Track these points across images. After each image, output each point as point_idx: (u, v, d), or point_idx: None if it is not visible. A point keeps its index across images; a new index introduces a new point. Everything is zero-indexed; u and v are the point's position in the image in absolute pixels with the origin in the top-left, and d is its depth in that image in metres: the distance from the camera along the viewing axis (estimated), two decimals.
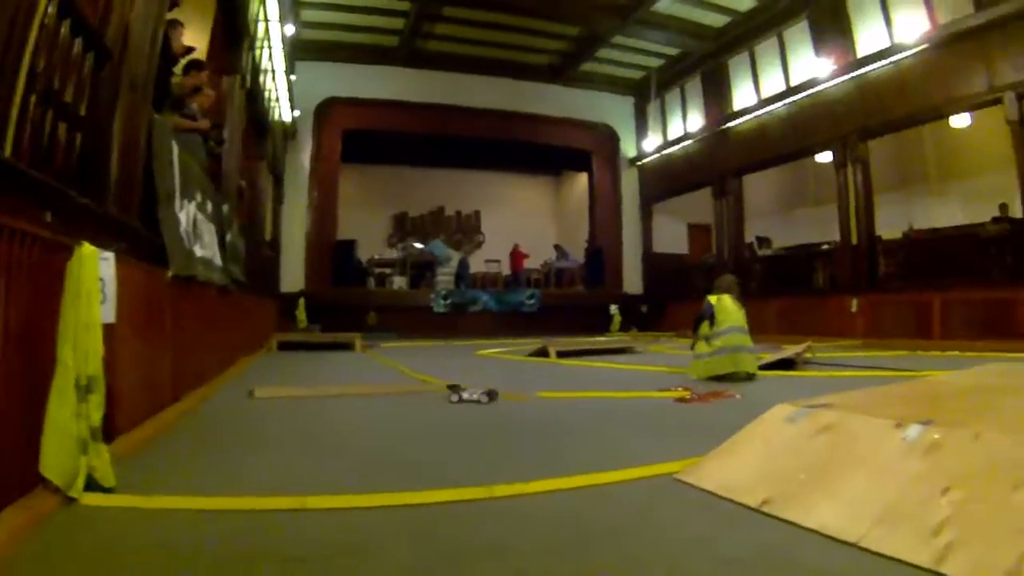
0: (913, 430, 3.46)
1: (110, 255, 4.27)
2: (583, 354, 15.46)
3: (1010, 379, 6.41)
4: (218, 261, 9.31)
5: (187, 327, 7.38)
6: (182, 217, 7.06)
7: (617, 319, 28.26)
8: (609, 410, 7.15)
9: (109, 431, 4.02)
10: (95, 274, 3.71)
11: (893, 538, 2.93)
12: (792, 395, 6.73)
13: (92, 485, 3.63)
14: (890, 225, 21.36)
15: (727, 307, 10.34)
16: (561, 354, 14.73)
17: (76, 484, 3.50)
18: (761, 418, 4.35)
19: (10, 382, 3.25)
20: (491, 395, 7.66)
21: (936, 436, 3.35)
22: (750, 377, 9.78)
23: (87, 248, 3.64)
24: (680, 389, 8.18)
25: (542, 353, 14.82)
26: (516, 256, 31.77)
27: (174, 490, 3.86)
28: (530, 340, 19.11)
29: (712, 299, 10.49)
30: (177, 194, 6.92)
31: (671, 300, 28.20)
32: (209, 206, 8.93)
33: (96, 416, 3.65)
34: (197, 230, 7.83)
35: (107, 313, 4.14)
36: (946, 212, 22.18)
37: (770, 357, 11.62)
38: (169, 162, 6.67)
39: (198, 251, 7.76)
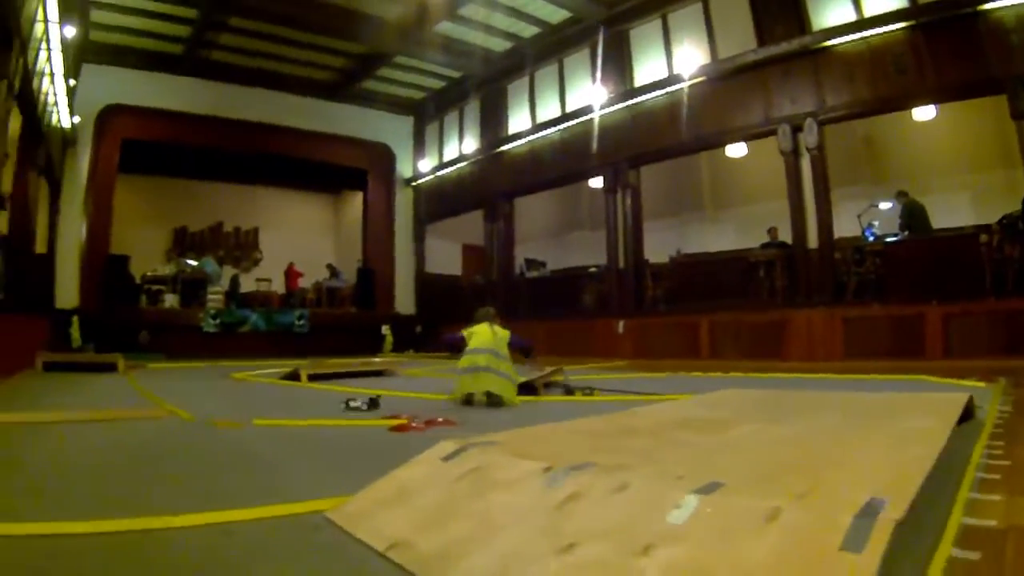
0: (559, 475, 3.35)
1: None
2: (337, 377, 15.11)
3: (720, 411, 6.52)
4: None
5: None
6: None
7: (389, 340, 28.02)
8: (317, 439, 7.03)
9: None
10: None
11: None
12: (512, 424, 6.64)
13: None
14: (664, 250, 22.03)
15: (477, 331, 9.99)
16: (313, 377, 14.31)
17: None
18: (422, 455, 4.26)
19: None
20: (372, 403, 8.22)
21: (579, 484, 3.23)
22: (497, 403, 9.35)
23: None
24: (403, 417, 7.91)
25: (294, 376, 14.34)
26: (291, 274, 31.22)
27: None
28: (298, 361, 18.84)
29: (465, 331, 10.13)
30: None
31: (444, 321, 27.61)
32: None
33: None
34: None
35: None
36: (721, 238, 23.23)
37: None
38: None
39: None
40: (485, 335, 9.93)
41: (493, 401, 9.39)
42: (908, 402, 7.01)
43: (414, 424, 7.38)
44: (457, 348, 10.35)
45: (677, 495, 2.92)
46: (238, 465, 5.53)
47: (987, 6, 15.19)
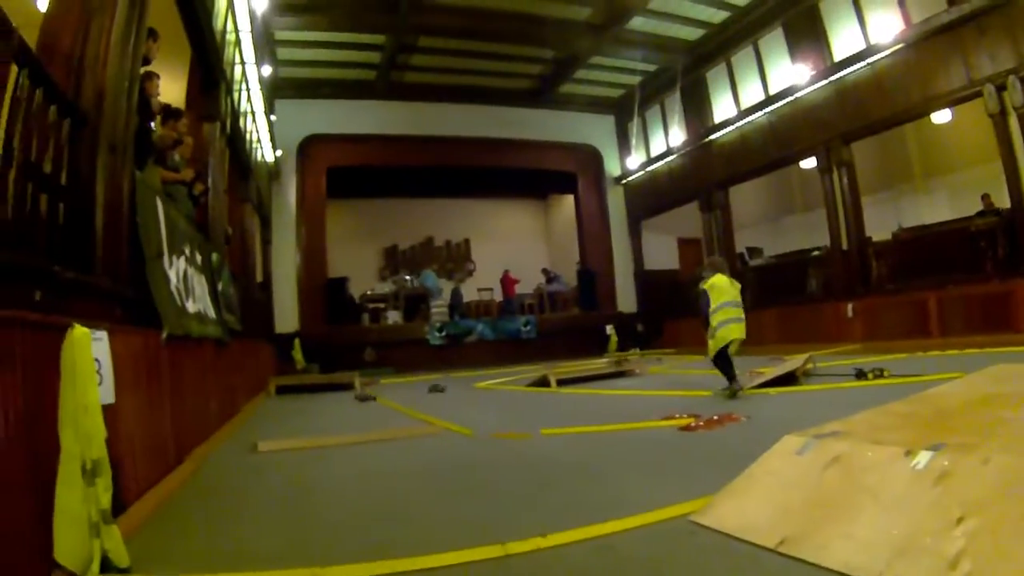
0: (923, 457, 3.42)
1: (103, 334, 4.17)
2: (584, 380, 15.23)
3: (1011, 385, 6.40)
4: (212, 313, 9.20)
5: (186, 385, 7.26)
6: (172, 274, 6.94)
7: (614, 339, 27.79)
8: (615, 445, 6.98)
9: (117, 507, 3.91)
10: (89, 356, 3.62)
11: (911, 574, 2.88)
12: (798, 414, 6.65)
13: (107, 567, 3.55)
14: (880, 226, 21.44)
15: (719, 286, 10.98)
16: (562, 382, 14.48)
17: (91, 568, 3.43)
18: (771, 451, 4.29)
19: (17, 471, 3.18)
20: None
21: (946, 463, 3.30)
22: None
23: (79, 330, 3.55)
24: (683, 416, 8.02)
25: (543, 382, 14.50)
26: (507, 282, 31.45)
27: (186, 566, 3.81)
28: (529, 367, 19.09)
29: (706, 285, 11.11)
30: (165, 251, 6.80)
31: (667, 317, 28.10)
32: (199, 257, 8.83)
33: (105, 499, 3.57)
34: (188, 284, 7.71)
35: (105, 394, 4.05)
36: (934, 209, 22.39)
37: (772, 372, 11.55)
38: (155, 220, 6.57)
39: (190, 306, 7.65)
40: (727, 290, 11.02)
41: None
42: None
43: (699, 423, 7.48)
44: (703, 308, 11.14)
45: None
46: (560, 477, 5.58)
47: None
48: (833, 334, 20.25)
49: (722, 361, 10.66)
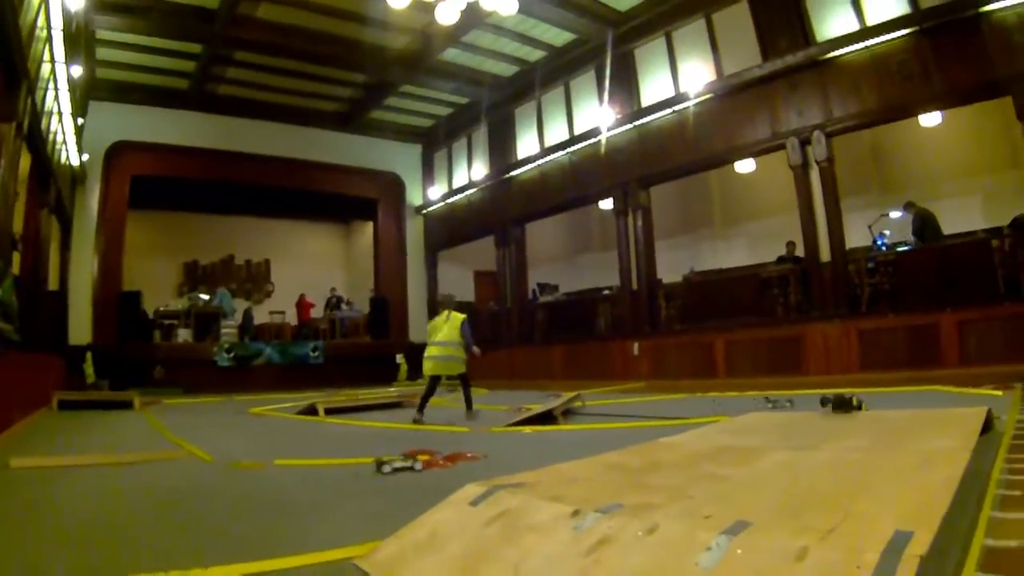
0: (588, 519, 3.33)
1: None
2: (355, 410, 15.10)
3: (750, 437, 6.55)
4: None
5: None
6: None
7: (404, 369, 27.94)
8: (340, 479, 6.89)
9: None
10: None
11: None
12: (538, 456, 6.60)
13: None
14: (677, 269, 22.15)
15: (435, 324, 13.04)
16: (330, 411, 14.26)
17: None
18: (449, 499, 4.24)
19: None
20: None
21: (608, 527, 3.21)
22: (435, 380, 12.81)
23: None
24: (423, 453, 7.86)
25: (312, 411, 14.30)
26: (303, 306, 31.22)
27: None
28: (313, 394, 18.88)
29: (430, 325, 13.21)
30: None
31: None
32: None
33: None
34: None
35: None
36: (732, 254, 23.39)
37: (535, 409, 11.56)
38: None
39: None
40: (439, 327, 12.86)
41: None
42: (929, 419, 7.02)
43: (436, 460, 7.35)
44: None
45: (706, 536, 2.92)
46: (262, 510, 5.50)
47: (989, 7, 15.15)
48: (619, 372, 20.65)
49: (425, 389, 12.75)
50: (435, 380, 12.78)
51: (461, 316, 12.96)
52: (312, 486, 6.52)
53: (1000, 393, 9.93)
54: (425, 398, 12.39)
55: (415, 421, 11.84)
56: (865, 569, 2.48)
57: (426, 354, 12.69)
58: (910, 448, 5.40)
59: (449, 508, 4.11)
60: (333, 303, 31.09)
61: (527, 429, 10.40)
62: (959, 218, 18.05)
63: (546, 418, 11.09)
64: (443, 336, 12.61)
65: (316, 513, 5.31)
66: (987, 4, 15.20)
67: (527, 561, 3.17)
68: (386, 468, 7.00)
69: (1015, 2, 14.87)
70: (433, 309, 28.95)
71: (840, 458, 5.28)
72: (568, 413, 12.07)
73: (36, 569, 3.93)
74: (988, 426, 6.52)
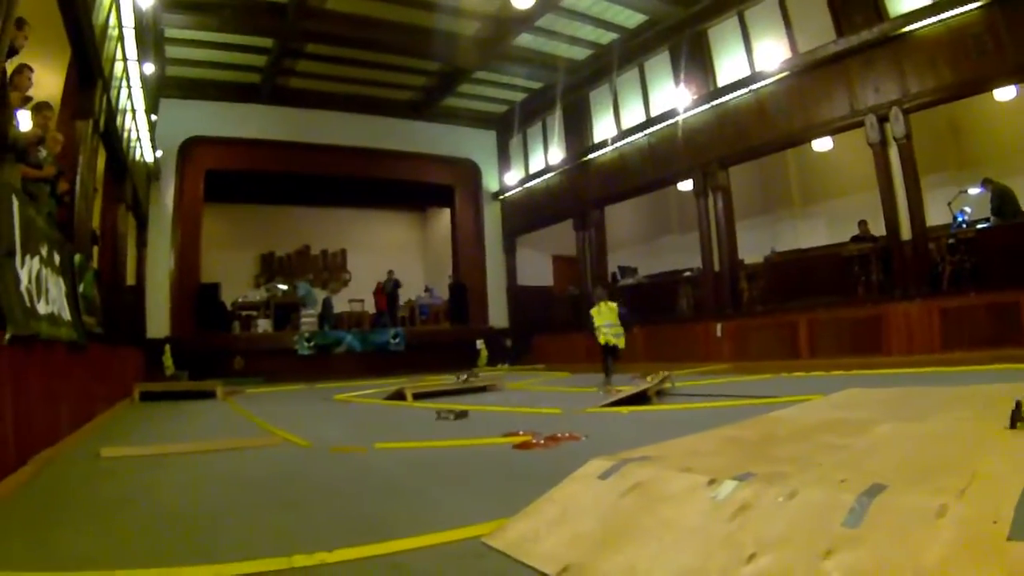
0: (725, 487, 3.31)
1: None
2: (442, 395, 15.10)
3: (855, 411, 6.41)
4: (67, 315, 8.98)
5: (32, 388, 7.08)
6: (23, 274, 6.77)
7: (484, 354, 28.10)
8: (444, 461, 6.86)
9: None
10: None
11: None
12: (639, 435, 6.59)
13: None
14: (755, 249, 22.03)
15: (600, 310, 15.59)
16: (418, 396, 14.30)
17: None
18: (575, 474, 4.18)
19: None
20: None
21: (747, 494, 3.20)
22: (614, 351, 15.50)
23: None
24: (524, 434, 7.87)
25: (399, 396, 14.34)
26: (380, 294, 31.23)
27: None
28: (395, 380, 18.90)
29: (593, 311, 15.71)
30: (18, 250, 6.64)
31: (537, 333, 28.30)
32: (56, 258, 8.61)
33: None
34: (41, 285, 7.54)
35: None
36: (811, 234, 23.03)
37: (627, 391, 11.55)
38: (8, 218, 6.41)
39: (41, 308, 7.47)
40: (605, 313, 15.55)
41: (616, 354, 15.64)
42: None
43: (537, 441, 7.34)
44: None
45: (848, 498, 2.94)
46: (374, 492, 5.52)
47: None
48: (702, 354, 20.56)
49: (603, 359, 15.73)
50: (608, 350, 15.57)
51: (615, 304, 15.96)
52: (417, 468, 6.52)
53: None
54: (607, 368, 15.55)
55: (603, 384, 14.68)
56: (1003, 523, 2.51)
57: (602, 331, 15.43)
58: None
59: (577, 483, 4.06)
60: (390, 287, 30.85)
61: (624, 410, 10.32)
62: None
63: (640, 398, 11.09)
64: (610, 319, 15.51)
65: (428, 494, 5.31)
66: None
67: (669, 530, 3.17)
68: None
69: None
70: (514, 295, 30.06)
71: (952, 427, 5.21)
72: (660, 394, 12.03)
73: (157, 552, 3.99)
74: None
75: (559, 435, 7.62)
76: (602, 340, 15.50)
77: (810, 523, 2.90)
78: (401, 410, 12.92)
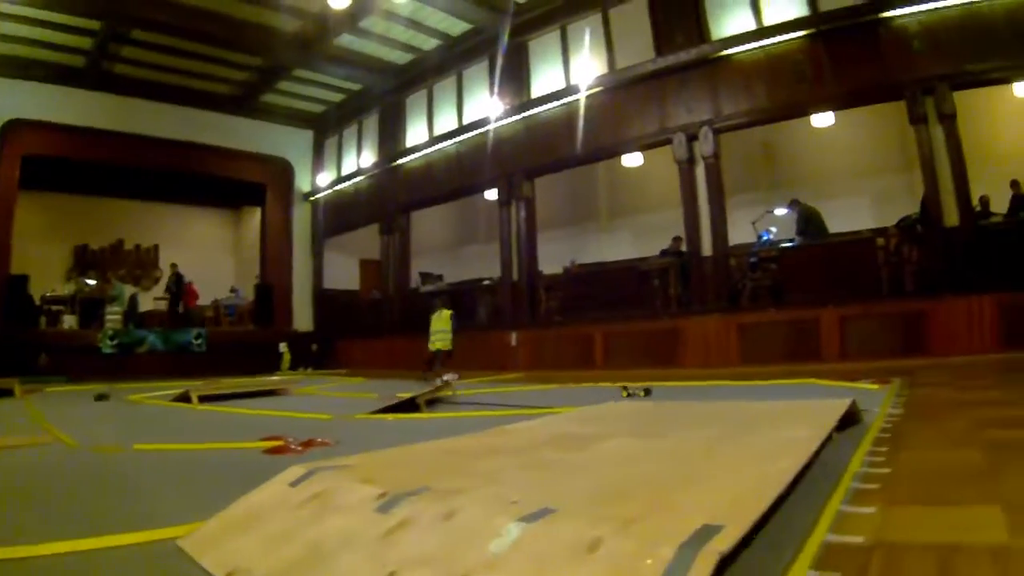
0: (393, 502, 3.29)
1: None
2: (228, 398, 14.83)
3: (595, 426, 6.50)
4: None
5: None
6: None
7: (287, 357, 27.62)
8: (194, 463, 6.85)
9: None
10: None
11: None
12: (388, 443, 6.52)
13: None
14: (562, 260, 22.41)
15: (435, 317, 18.43)
16: (204, 399, 13.89)
17: None
18: (274, 479, 4.19)
19: None
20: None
21: (409, 511, 3.18)
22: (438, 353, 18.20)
23: None
24: (280, 439, 7.70)
25: (185, 398, 13.95)
26: (189, 293, 30.19)
27: None
28: (192, 382, 18.56)
29: (432, 317, 18.42)
30: None
31: (341, 337, 28.16)
32: None
33: None
34: None
35: None
36: (617, 247, 23.47)
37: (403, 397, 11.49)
38: None
39: None
40: (435, 322, 18.29)
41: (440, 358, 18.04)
42: (788, 411, 7.00)
43: (292, 446, 7.25)
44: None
45: (502, 522, 2.87)
46: (110, 492, 5.42)
47: (890, 13, 15.57)
48: (499, 362, 20.68)
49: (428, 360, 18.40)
50: (436, 353, 18.25)
51: (449, 311, 18.54)
52: (161, 469, 6.48)
53: (876, 387, 9.87)
54: (431, 363, 18.13)
55: (424, 376, 17.06)
56: (658, 563, 2.39)
57: (432, 337, 18.32)
58: (759, 438, 5.34)
59: (270, 488, 4.09)
60: (172, 284, 29.79)
61: (390, 417, 10.24)
62: (849, 218, 18.50)
63: (411, 406, 10.99)
64: (442, 326, 18.29)
65: (158, 494, 5.26)
66: (888, 10, 15.62)
67: (328, 542, 3.14)
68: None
69: (917, 10, 15.33)
70: (320, 298, 29.96)
71: (682, 447, 5.24)
72: (437, 402, 11.96)
73: None
74: (854, 419, 6.53)
75: (317, 440, 7.53)
76: (431, 346, 18.20)
77: (458, 545, 2.85)
78: (183, 413, 12.65)
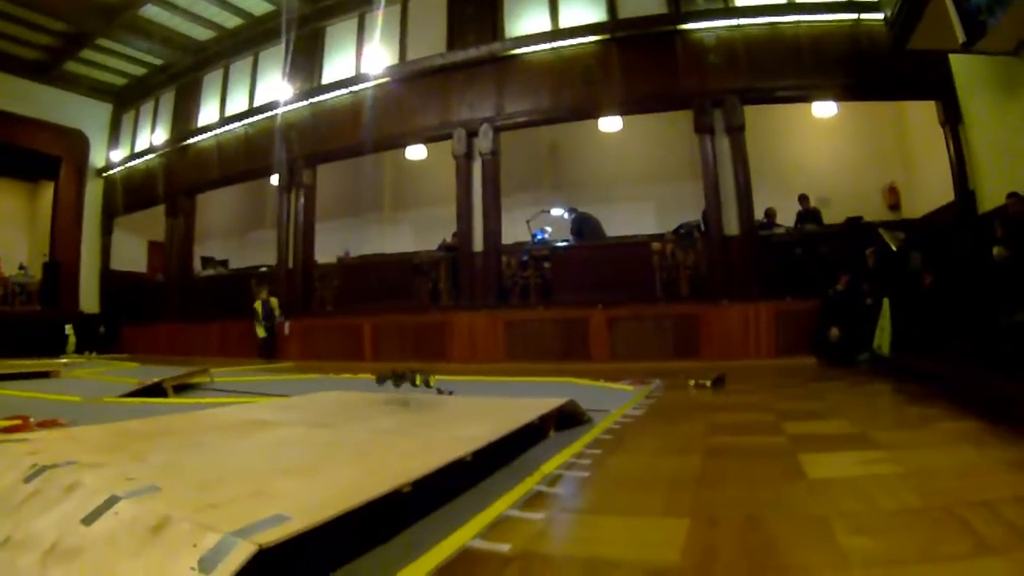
0: (36, 472, 3.40)
1: None
2: (3, 379, 14.58)
3: (291, 413, 6.50)
4: None
5: None
6: None
7: (72, 340, 26.75)
8: None
9: None
10: None
11: None
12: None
13: None
14: (341, 250, 22.63)
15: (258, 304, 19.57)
16: None
17: None
18: None
19: None
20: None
21: (40, 483, 3.28)
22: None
23: None
24: (22, 418, 7.51)
25: None
26: None
27: None
28: None
29: (256, 305, 19.60)
30: None
31: (128, 321, 27.56)
32: None
33: None
34: None
35: None
36: (399, 239, 23.55)
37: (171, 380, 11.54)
38: None
39: None
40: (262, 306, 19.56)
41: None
42: (492, 408, 6.85)
43: (32, 425, 7.14)
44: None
45: (98, 498, 2.94)
46: None
47: (688, 26, 16.31)
48: (272, 351, 20.60)
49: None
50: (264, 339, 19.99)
51: (275, 300, 20.03)
52: None
53: (631, 388, 10.07)
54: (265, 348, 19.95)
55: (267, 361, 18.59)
56: (200, 548, 2.45)
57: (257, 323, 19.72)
58: (434, 432, 5.31)
59: None
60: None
61: (135, 401, 10.14)
62: (632, 223, 19.03)
63: (158, 391, 10.95)
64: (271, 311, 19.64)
65: None
66: (687, 23, 16.36)
67: None
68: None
69: (717, 24, 16.14)
70: (107, 279, 29.40)
71: (346, 437, 5.25)
72: (190, 388, 11.89)
73: None
74: (579, 419, 6.57)
75: (60, 420, 7.37)
76: (259, 332, 19.82)
77: (65, 517, 2.91)
78: None
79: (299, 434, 5.36)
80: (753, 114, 16.60)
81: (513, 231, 18.71)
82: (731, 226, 16.02)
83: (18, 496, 3.19)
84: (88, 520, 2.80)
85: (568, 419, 6.38)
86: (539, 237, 18.57)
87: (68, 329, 26.93)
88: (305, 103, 21.85)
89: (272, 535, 2.53)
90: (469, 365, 16.26)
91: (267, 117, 22.97)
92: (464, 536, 3.23)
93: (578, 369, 13.77)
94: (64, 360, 19.55)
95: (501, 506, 3.72)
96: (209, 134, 25.23)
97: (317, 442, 5.04)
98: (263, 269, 23.15)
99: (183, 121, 26.79)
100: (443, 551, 3.05)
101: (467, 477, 4.19)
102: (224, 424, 5.67)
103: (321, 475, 3.67)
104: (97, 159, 30.55)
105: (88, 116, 30.10)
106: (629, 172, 20.84)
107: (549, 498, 3.98)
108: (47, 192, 33.65)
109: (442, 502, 3.73)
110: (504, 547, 3.11)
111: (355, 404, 7.50)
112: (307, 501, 2.99)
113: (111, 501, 2.89)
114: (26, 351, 23.00)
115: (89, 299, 29.51)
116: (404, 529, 3.32)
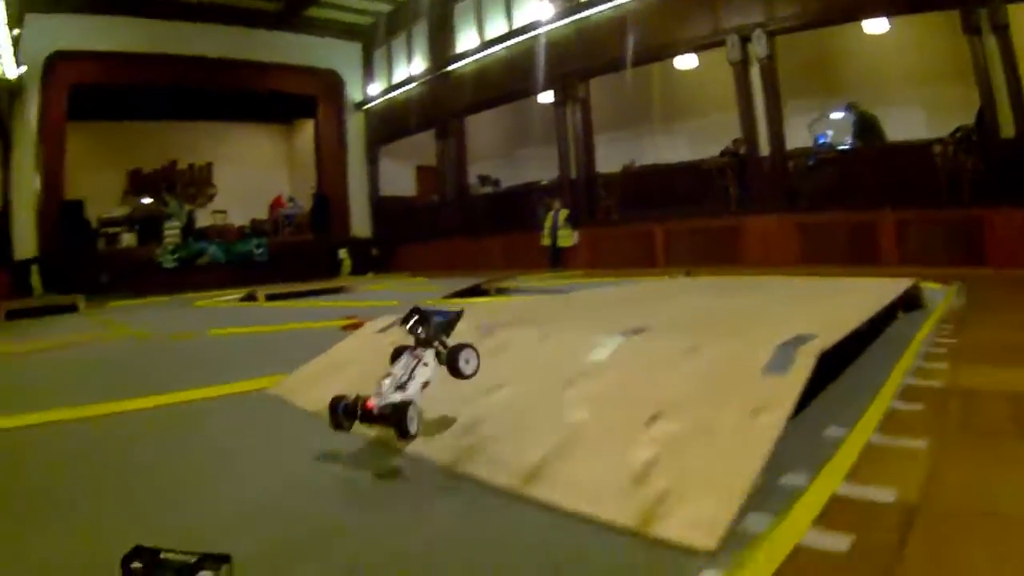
0: (491, 328, 3.75)
1: None
2: (297, 296, 15.23)
3: (666, 290, 7.13)
4: None
5: None
6: None
7: (347, 263, 28.12)
8: (271, 341, 7.52)
9: None
10: None
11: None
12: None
13: None
14: (616, 163, 22.38)
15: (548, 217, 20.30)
16: (271, 297, 14.73)
17: None
18: (356, 332, 4.86)
19: None
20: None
21: (506, 336, 3.61)
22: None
23: None
24: (354, 318, 8.12)
25: (251, 297, 14.87)
26: (277, 205, 31.76)
27: None
28: (259, 289, 18.99)
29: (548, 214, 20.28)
30: None
31: (401, 242, 28.54)
32: None
33: None
34: None
35: None
36: (674, 150, 23.02)
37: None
38: None
39: None
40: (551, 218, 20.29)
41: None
42: (850, 285, 7.17)
43: (358, 322, 7.35)
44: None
45: (599, 339, 3.17)
46: (194, 364, 6.02)
47: None
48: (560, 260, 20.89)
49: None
50: (557, 249, 20.45)
51: (565, 211, 20.17)
52: (240, 347, 7.14)
53: (938, 286, 9.85)
54: (554, 259, 20.44)
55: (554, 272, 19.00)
56: (760, 357, 2.67)
57: (547, 233, 20.45)
58: (823, 301, 5.64)
59: (355, 339, 4.65)
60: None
61: (464, 301, 10.46)
62: (902, 126, 18.11)
63: (478, 293, 11.66)
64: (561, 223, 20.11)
65: (240, 364, 5.75)
66: None
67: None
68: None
69: None
70: (377, 205, 30.47)
71: (749, 303, 5.60)
72: (504, 291, 12.50)
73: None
74: (917, 303, 6.71)
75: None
76: (545, 242, 20.06)
77: (559, 359, 3.23)
78: (252, 310, 13.62)
79: (708, 301, 5.83)
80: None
81: (791, 137, 18.12)
82: (1007, 128, 14.98)
83: (481, 347, 3.21)
84: (599, 355, 3.15)
85: (910, 303, 6.56)
86: (821, 140, 18.18)
87: (342, 253, 28.43)
88: (567, 20, 21.78)
89: (817, 344, 2.78)
90: (763, 268, 15.89)
91: (528, 37, 23.03)
92: (897, 377, 3.86)
93: (870, 272, 13.09)
94: (344, 280, 20.17)
95: (906, 361, 4.31)
96: (471, 59, 25.55)
97: (730, 306, 5.47)
98: (544, 184, 23.55)
99: (441, 49, 27.12)
100: (890, 387, 3.63)
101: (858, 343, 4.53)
102: (614, 298, 6.27)
103: (777, 324, 3.75)
104: (354, 95, 31.56)
105: (339, 56, 31.20)
106: (897, 75, 19.79)
107: (939, 356, 4.49)
108: (301, 131, 35.31)
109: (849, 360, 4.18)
110: (936, 383, 3.72)
111: (716, 285, 8.14)
112: (802, 329, 3.16)
113: (615, 339, 3.26)
114: (303, 276, 24.01)
115: (360, 224, 30.77)
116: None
